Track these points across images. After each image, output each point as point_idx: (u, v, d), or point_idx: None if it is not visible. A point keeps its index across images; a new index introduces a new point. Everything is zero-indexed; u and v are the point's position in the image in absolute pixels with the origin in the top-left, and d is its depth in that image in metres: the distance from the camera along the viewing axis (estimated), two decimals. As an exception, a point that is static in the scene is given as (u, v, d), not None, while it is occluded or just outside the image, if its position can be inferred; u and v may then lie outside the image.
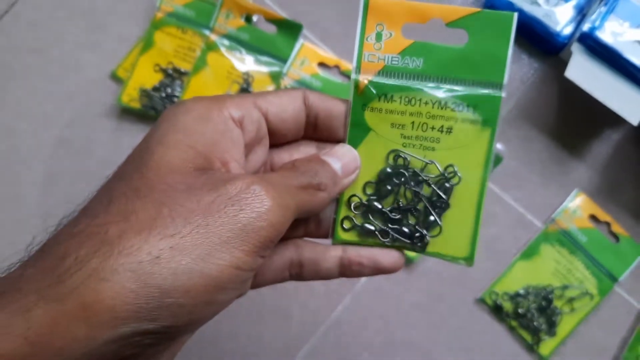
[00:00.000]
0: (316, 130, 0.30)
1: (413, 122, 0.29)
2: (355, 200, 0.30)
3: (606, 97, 0.49)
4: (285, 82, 0.57)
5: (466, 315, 0.55)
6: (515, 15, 0.27)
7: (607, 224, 0.56)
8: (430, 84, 0.29)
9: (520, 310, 0.54)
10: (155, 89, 0.56)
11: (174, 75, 0.57)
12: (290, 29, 0.57)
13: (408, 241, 0.29)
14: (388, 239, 0.30)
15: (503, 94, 0.28)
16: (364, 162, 0.29)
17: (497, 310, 0.55)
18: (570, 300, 0.55)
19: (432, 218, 0.29)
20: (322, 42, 0.58)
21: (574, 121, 0.58)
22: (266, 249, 0.23)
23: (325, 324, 0.54)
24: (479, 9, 0.28)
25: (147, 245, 0.20)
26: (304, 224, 0.31)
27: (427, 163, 0.29)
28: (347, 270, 0.30)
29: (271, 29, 0.57)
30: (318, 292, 0.55)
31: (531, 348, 0.54)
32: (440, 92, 0.28)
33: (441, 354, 0.55)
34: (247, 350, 0.54)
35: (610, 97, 0.49)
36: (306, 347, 0.54)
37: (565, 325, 0.55)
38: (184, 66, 0.57)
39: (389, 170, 0.29)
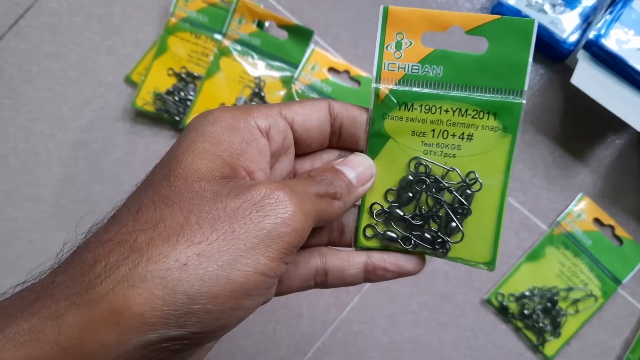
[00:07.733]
0: (340, 140, 0.30)
1: (434, 130, 0.29)
2: (376, 207, 0.30)
3: (611, 103, 0.49)
4: (296, 87, 0.58)
5: (473, 315, 0.56)
6: (536, 21, 0.27)
7: (611, 227, 0.57)
8: (451, 92, 0.28)
9: (525, 311, 0.55)
10: (169, 92, 0.57)
11: (187, 80, 0.58)
12: (301, 34, 0.58)
13: (430, 247, 0.30)
14: (410, 246, 0.30)
15: (524, 101, 0.28)
16: (385, 169, 0.29)
17: (503, 311, 0.56)
18: (575, 301, 0.56)
19: (453, 224, 0.29)
20: (333, 48, 0.59)
21: (578, 126, 0.59)
22: (290, 254, 0.23)
23: (334, 322, 0.56)
24: (499, 16, 0.27)
25: (174, 253, 0.21)
26: (328, 232, 0.31)
27: (448, 170, 0.29)
28: (372, 275, 0.30)
29: (283, 34, 0.58)
30: (327, 291, 0.56)
31: (536, 348, 0.55)
32: (461, 100, 0.28)
33: (448, 353, 0.56)
34: (260, 347, 0.55)
35: (615, 104, 0.50)
36: (316, 344, 0.55)
37: (569, 326, 0.55)
38: (197, 70, 0.58)
39: (410, 177, 0.29)
